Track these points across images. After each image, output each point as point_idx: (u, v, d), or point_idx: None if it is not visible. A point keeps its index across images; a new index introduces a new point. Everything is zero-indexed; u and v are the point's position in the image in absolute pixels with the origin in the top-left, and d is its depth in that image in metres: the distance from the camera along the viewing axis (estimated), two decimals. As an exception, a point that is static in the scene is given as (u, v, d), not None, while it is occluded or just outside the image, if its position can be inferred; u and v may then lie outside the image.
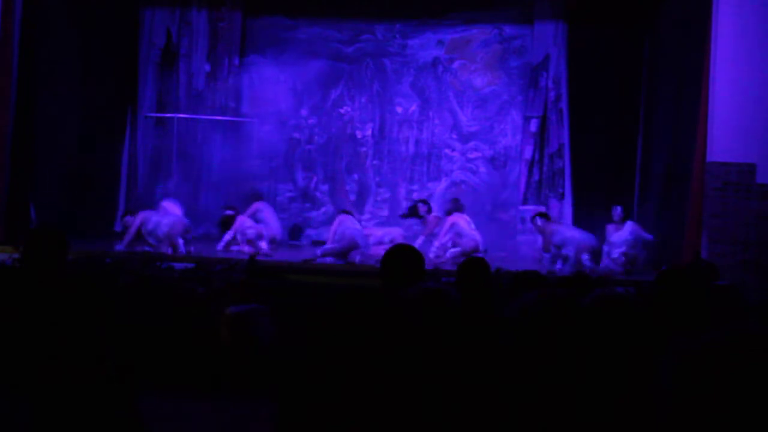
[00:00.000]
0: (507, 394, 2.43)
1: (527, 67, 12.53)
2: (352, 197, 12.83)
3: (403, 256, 3.52)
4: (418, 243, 9.99)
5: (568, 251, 9.62)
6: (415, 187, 12.71)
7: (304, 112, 12.95)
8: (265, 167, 12.81)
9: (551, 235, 9.97)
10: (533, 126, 12.32)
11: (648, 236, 9.83)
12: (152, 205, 11.08)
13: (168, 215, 10.12)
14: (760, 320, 3.81)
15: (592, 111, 11.80)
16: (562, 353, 2.50)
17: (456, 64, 12.79)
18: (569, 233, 9.98)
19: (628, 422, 2.34)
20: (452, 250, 9.85)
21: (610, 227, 10.30)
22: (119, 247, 9.94)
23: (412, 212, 11.25)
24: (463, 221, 10.14)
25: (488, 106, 12.75)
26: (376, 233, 10.97)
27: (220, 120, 12.70)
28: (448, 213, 10.44)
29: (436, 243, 10.08)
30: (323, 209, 12.83)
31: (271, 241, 10.47)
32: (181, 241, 10.02)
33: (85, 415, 2.69)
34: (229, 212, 10.48)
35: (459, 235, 9.94)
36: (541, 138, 12.29)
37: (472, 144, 12.77)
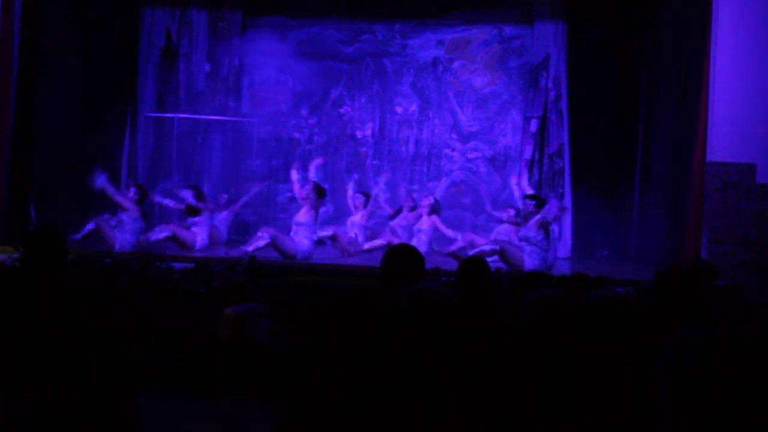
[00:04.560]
0: (507, 393, 2.43)
1: (527, 67, 12.51)
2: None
3: (403, 256, 3.52)
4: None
5: None
6: (415, 187, 12.69)
7: (304, 112, 12.95)
8: (265, 167, 12.81)
9: None
10: (533, 126, 12.31)
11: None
12: None
13: None
14: (760, 320, 3.81)
15: (592, 111, 11.79)
16: (562, 353, 2.50)
17: (456, 64, 12.78)
18: None
19: (628, 421, 2.34)
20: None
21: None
22: None
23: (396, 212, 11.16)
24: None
25: (488, 106, 12.74)
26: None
27: (220, 120, 12.71)
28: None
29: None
30: (323, 209, 12.82)
31: None
32: None
33: (85, 415, 2.69)
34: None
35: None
36: (541, 138, 12.28)
37: (472, 144, 12.76)
